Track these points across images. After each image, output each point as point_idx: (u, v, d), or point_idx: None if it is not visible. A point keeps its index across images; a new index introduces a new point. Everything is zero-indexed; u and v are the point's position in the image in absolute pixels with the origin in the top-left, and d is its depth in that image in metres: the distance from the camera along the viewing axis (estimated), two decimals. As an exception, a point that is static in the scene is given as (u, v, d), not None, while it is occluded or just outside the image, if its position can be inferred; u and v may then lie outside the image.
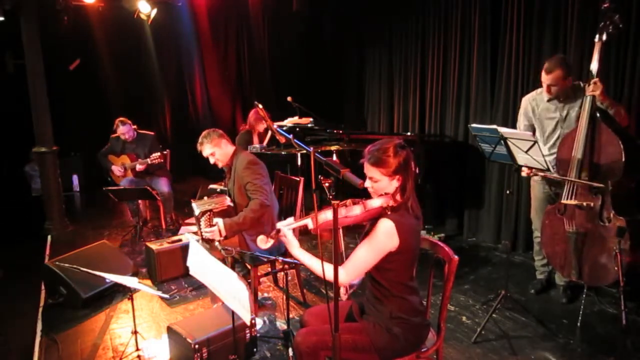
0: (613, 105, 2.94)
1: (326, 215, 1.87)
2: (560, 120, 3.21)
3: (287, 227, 1.92)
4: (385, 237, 1.87)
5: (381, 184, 1.93)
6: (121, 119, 4.94)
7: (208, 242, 2.97)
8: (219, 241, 2.92)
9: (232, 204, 3.10)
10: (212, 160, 3.18)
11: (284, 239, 1.92)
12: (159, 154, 4.69)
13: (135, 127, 5.05)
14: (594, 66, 2.87)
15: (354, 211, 1.88)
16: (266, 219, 3.10)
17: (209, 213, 2.93)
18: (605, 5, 2.84)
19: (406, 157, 1.92)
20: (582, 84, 3.12)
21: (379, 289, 2.00)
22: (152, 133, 5.18)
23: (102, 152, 5.07)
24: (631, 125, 3.38)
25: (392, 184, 1.93)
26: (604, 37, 2.85)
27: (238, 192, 3.11)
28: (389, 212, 1.92)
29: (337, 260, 1.70)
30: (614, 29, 2.82)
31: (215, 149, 3.13)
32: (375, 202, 1.92)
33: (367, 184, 1.96)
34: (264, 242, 1.91)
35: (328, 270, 1.75)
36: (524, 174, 3.08)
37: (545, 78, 3.10)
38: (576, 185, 2.97)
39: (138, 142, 5.00)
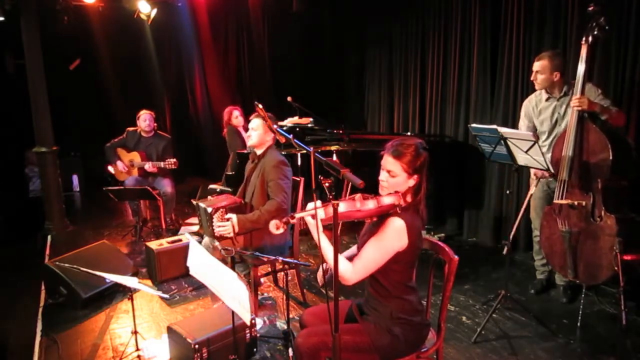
0: (604, 112, 2.93)
1: (339, 207, 1.81)
2: (559, 118, 3.22)
3: (300, 214, 1.84)
4: (395, 235, 1.88)
5: (398, 180, 1.94)
6: (145, 109, 4.98)
7: (219, 239, 2.97)
8: (231, 238, 2.94)
9: (242, 201, 3.12)
10: (248, 132, 3.23)
11: (309, 221, 1.84)
12: (174, 160, 4.65)
13: (155, 125, 5.03)
14: (581, 68, 2.88)
15: (367, 205, 1.87)
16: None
17: (222, 210, 2.93)
18: (590, 8, 2.85)
19: (426, 159, 1.96)
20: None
21: (380, 290, 2.00)
22: (169, 136, 5.14)
23: (113, 144, 4.97)
24: (630, 127, 3.39)
25: (408, 183, 1.95)
26: (590, 39, 2.86)
27: (260, 186, 3.13)
28: (399, 211, 1.92)
29: (337, 253, 1.70)
30: (599, 31, 2.83)
31: (259, 129, 3.17)
32: (387, 199, 1.92)
33: (383, 177, 1.97)
34: (275, 228, 1.81)
35: (340, 264, 1.79)
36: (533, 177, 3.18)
37: (534, 65, 3.18)
38: (567, 185, 2.98)
39: (154, 140, 4.97)
